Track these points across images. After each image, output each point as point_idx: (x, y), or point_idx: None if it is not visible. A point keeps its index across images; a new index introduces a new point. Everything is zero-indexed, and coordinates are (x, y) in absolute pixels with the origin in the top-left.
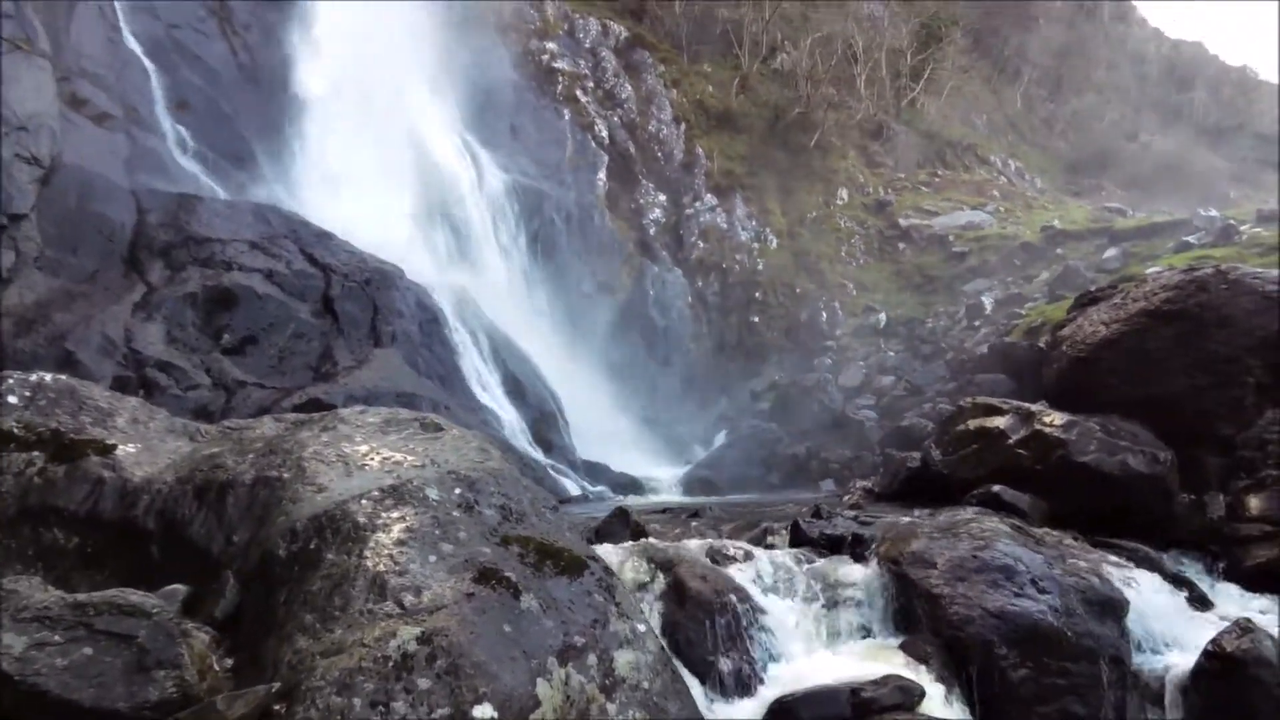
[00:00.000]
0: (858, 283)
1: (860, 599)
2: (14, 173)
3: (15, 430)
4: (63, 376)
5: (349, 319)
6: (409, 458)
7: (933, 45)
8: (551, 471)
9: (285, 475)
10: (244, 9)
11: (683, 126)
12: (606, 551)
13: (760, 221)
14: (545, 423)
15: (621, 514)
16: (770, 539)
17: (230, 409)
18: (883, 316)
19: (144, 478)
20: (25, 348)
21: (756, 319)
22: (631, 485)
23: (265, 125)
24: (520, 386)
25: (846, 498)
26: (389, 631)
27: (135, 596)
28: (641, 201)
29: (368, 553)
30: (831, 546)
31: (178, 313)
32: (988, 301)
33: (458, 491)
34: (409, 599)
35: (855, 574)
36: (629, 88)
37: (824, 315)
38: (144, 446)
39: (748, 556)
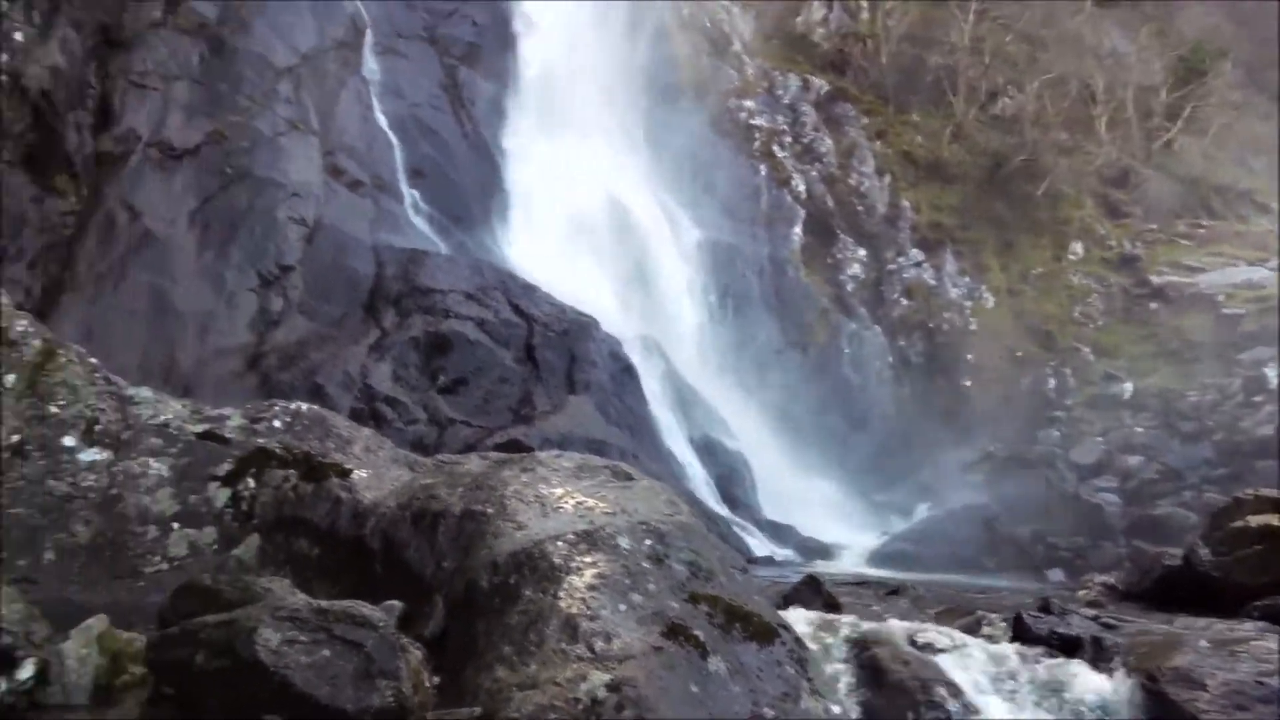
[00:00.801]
0: (1095, 346)
1: (1100, 716)
2: (286, 232)
3: (277, 450)
4: (315, 406)
5: (547, 366)
6: (601, 504)
7: (1194, 81)
8: (736, 529)
9: (489, 510)
10: (471, 85)
11: (887, 179)
12: (795, 620)
13: (974, 278)
14: (731, 479)
15: (812, 582)
16: (986, 629)
17: (442, 444)
18: (1128, 386)
19: (372, 501)
20: (286, 379)
21: (968, 383)
22: (820, 551)
23: (483, 189)
24: (707, 441)
25: (1082, 593)
26: (580, 674)
27: (366, 609)
28: (839, 256)
29: (562, 594)
30: (1065, 648)
31: (403, 354)
32: (1271, 374)
33: (648, 543)
34: (599, 644)
35: (1096, 685)
36: (829, 141)
37: (1051, 382)
38: (374, 473)
39: (959, 647)
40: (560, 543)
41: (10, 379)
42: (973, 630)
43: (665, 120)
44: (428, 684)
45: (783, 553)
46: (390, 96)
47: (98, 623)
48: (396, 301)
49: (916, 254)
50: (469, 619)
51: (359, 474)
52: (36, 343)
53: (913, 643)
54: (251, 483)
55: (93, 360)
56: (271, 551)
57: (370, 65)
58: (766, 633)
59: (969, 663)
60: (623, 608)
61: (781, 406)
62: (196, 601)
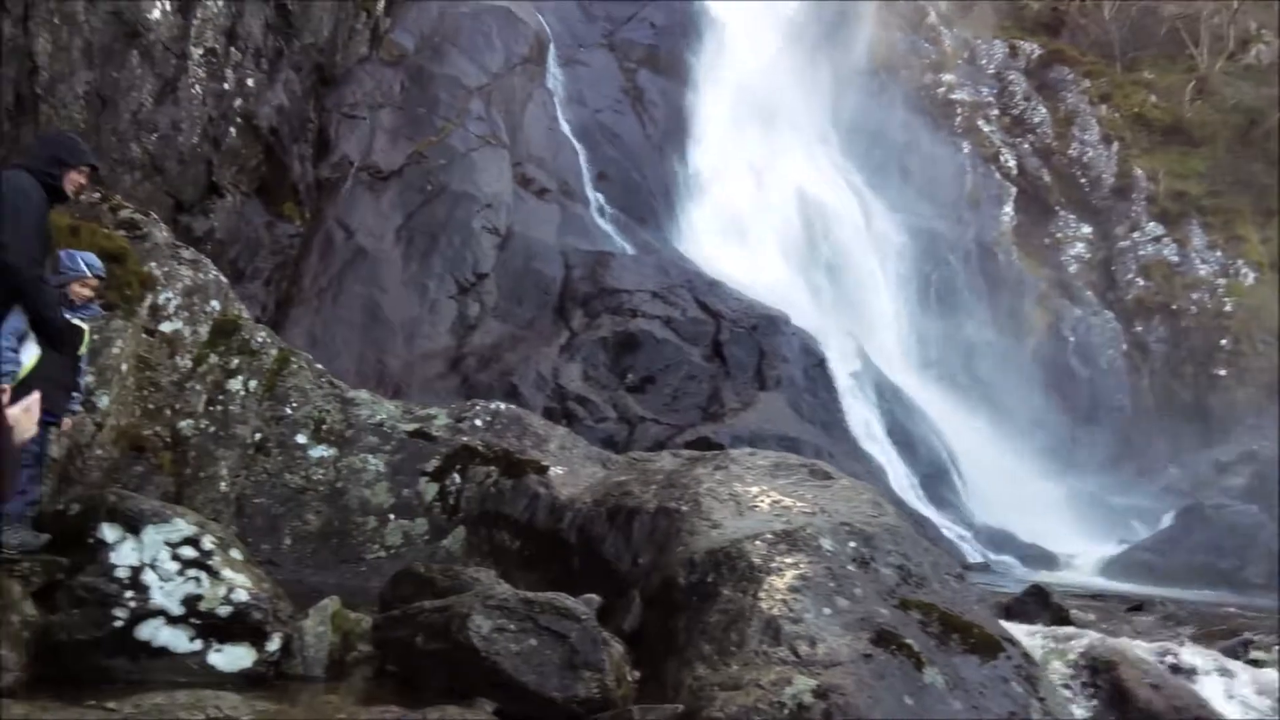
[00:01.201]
0: None
1: None
2: (481, 241)
3: (479, 447)
4: (512, 406)
5: (736, 363)
6: (798, 504)
7: None
8: (945, 533)
9: (683, 508)
10: (652, 87)
11: (1114, 146)
12: (1019, 633)
13: (1228, 252)
14: (937, 479)
15: (1038, 592)
16: (1255, 654)
17: (632, 441)
18: None
19: (568, 497)
20: (484, 380)
21: (1223, 372)
22: (1043, 559)
23: (667, 188)
24: (909, 437)
25: None
26: (784, 678)
27: (569, 601)
28: (1059, 235)
29: (762, 594)
30: None
31: (592, 354)
32: None
33: (852, 545)
34: (803, 648)
35: None
36: (1043, 110)
37: None
38: (569, 469)
39: (1223, 672)
40: (758, 542)
41: (253, 384)
42: (1236, 654)
43: (856, 104)
44: (629, 677)
45: (1000, 559)
46: (574, 105)
47: (331, 603)
48: (585, 303)
49: (1155, 228)
50: (667, 615)
51: (555, 470)
52: (273, 351)
53: (1163, 664)
54: (457, 478)
55: (319, 366)
56: (476, 543)
57: (554, 77)
58: (989, 645)
59: (1233, 690)
60: (827, 611)
61: (995, 401)
62: (412, 587)
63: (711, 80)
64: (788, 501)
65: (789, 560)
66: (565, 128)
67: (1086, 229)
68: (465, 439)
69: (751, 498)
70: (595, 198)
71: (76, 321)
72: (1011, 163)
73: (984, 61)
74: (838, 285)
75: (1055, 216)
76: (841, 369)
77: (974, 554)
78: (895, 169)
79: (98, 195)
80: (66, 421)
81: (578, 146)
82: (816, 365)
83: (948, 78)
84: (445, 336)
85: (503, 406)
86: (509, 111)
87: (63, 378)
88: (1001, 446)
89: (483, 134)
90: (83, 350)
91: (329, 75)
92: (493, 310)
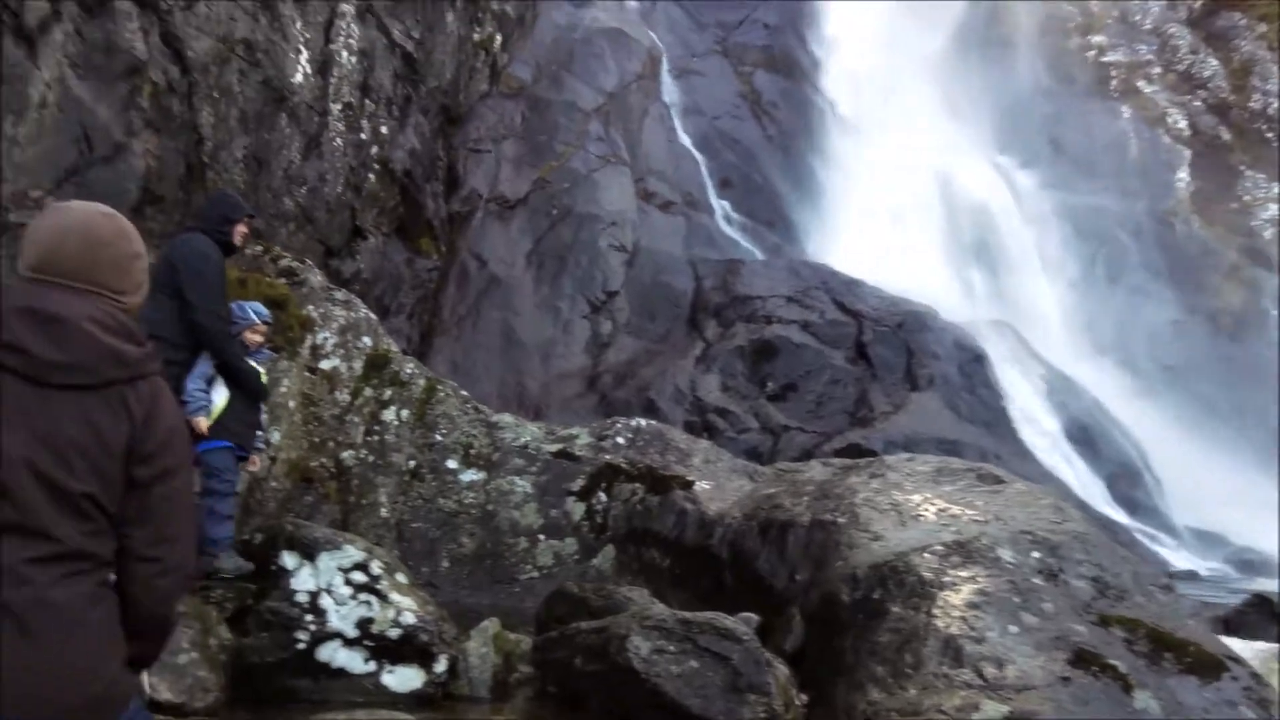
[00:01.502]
0: None
1: None
2: (609, 259)
3: (623, 465)
4: (653, 421)
5: (882, 363)
6: (968, 511)
7: None
8: (1140, 538)
9: (840, 520)
10: (770, 88)
11: None
12: (1241, 650)
13: None
14: (1126, 478)
15: (1262, 602)
16: None
17: (777, 451)
18: None
19: (716, 511)
20: (621, 397)
21: None
22: (1262, 565)
23: (793, 188)
24: (1088, 434)
25: None
26: (970, 703)
27: (729, 621)
28: (1246, 198)
29: (936, 611)
30: None
31: (729, 364)
32: None
33: (1036, 555)
34: (989, 670)
35: None
36: (1213, 62)
37: None
38: (715, 484)
39: None
40: (927, 554)
41: (405, 413)
42: None
43: (994, 79)
44: (797, 701)
45: (1210, 567)
46: (691, 115)
47: (491, 624)
48: (717, 312)
49: None
50: (831, 634)
51: (701, 485)
52: (421, 381)
53: None
54: (603, 496)
55: (464, 392)
56: (626, 561)
57: (669, 89)
58: (1210, 665)
59: None
60: (1014, 629)
61: (1186, 387)
62: (567, 607)
63: (833, 73)
64: (955, 509)
65: (964, 574)
66: (684, 139)
67: (1278, 188)
68: (608, 457)
69: (914, 506)
70: (720, 206)
71: (253, 364)
72: (1182, 124)
73: (1138, 18)
74: (991, 274)
75: (1240, 178)
76: (1003, 362)
77: (1176, 560)
78: (1044, 144)
79: (260, 248)
80: (254, 459)
81: (698, 156)
82: (973, 360)
83: (1097, 39)
84: (580, 356)
85: (643, 423)
86: (627, 129)
87: (249, 418)
88: (1199, 437)
89: (602, 154)
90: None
91: (454, 114)
92: (625, 327)
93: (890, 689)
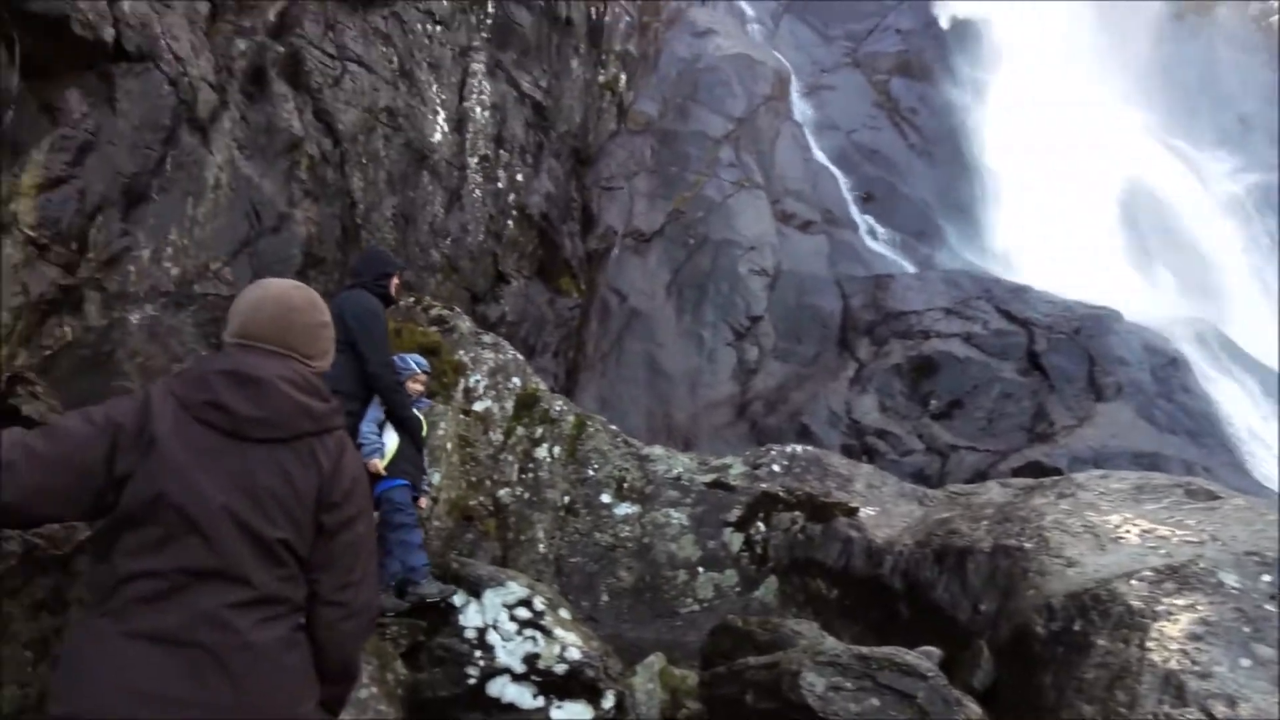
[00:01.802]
0: None
1: None
2: (750, 284)
3: (780, 493)
4: (809, 447)
5: (1060, 373)
6: (1178, 532)
7: None
8: None
9: (1026, 545)
10: (907, 94)
11: None
12: None
13: None
14: None
15: None
16: None
17: (946, 473)
18: None
19: (885, 539)
20: (773, 423)
21: None
22: None
23: (943, 195)
24: None
25: None
26: None
27: (910, 656)
28: None
29: (1151, 644)
30: None
31: (886, 383)
32: None
33: (1266, 579)
34: (1219, 709)
35: None
36: None
37: None
38: (881, 509)
39: None
40: (1134, 581)
41: (556, 450)
42: None
43: (1166, 56)
44: None
45: None
46: (825, 131)
47: (657, 659)
48: (869, 331)
49: None
50: (1026, 670)
51: (866, 511)
52: (570, 418)
53: None
54: (762, 526)
55: (613, 427)
56: (790, 592)
57: (799, 108)
58: None
59: None
60: (1245, 663)
61: None
62: (731, 641)
63: (978, 66)
64: (1163, 530)
65: (1180, 601)
66: (820, 155)
67: None
68: (764, 486)
69: (1113, 528)
70: (863, 221)
71: (416, 413)
72: None
73: None
74: (1182, 269)
75: None
76: (1205, 364)
77: None
78: (1231, 120)
79: (411, 299)
80: (423, 501)
81: (835, 172)
82: (1168, 364)
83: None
84: (727, 384)
85: (799, 449)
86: (759, 152)
87: (417, 460)
88: None
89: (736, 179)
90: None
91: (585, 155)
92: (772, 351)
93: None
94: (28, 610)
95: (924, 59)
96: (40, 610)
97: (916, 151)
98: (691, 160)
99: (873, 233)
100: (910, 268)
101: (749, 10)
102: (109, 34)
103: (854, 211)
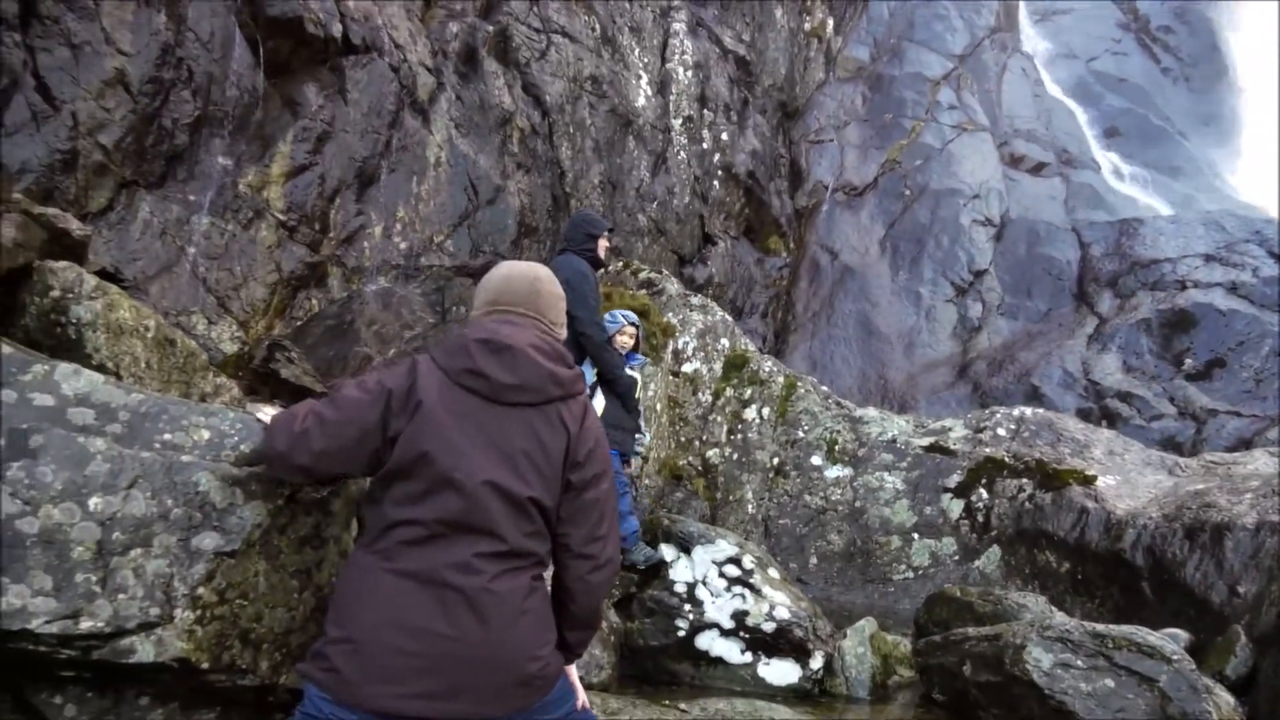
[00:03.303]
0: None
1: None
2: (973, 235)
3: (1006, 459)
4: (1039, 410)
5: None
6: None
7: None
8: None
9: None
10: (1160, 12)
11: None
12: None
13: None
14: None
15: None
16: None
17: (1201, 440)
18: None
19: (1126, 511)
20: (998, 384)
21: None
22: None
23: (1205, 125)
24: None
25: None
26: None
27: (1153, 638)
28: None
29: None
30: None
31: (1132, 341)
32: None
33: None
34: None
35: None
36: None
37: None
38: (1122, 479)
39: None
40: None
41: (766, 411)
42: None
43: None
44: None
45: None
46: (1060, 61)
47: (868, 624)
48: (1112, 282)
49: None
50: None
51: (1104, 480)
52: (780, 379)
53: None
54: (984, 493)
55: (824, 388)
56: (1015, 564)
57: (1030, 39)
58: None
59: None
60: None
61: None
62: (949, 611)
63: None
64: None
65: None
66: (1054, 89)
67: None
68: (988, 450)
69: None
70: (1107, 159)
71: (630, 372)
72: None
73: None
74: None
75: None
76: None
77: None
78: None
79: (620, 263)
80: (633, 461)
81: (1073, 106)
82: None
83: None
84: (947, 343)
85: (1028, 411)
86: (983, 90)
87: (626, 424)
88: None
89: (957, 122)
90: (638, 395)
91: (792, 109)
92: (998, 308)
93: None
94: (294, 544)
95: None
96: (305, 545)
97: (1172, 77)
98: (907, 105)
99: (1118, 172)
100: (1164, 209)
101: None
102: (337, 29)
103: (1095, 149)
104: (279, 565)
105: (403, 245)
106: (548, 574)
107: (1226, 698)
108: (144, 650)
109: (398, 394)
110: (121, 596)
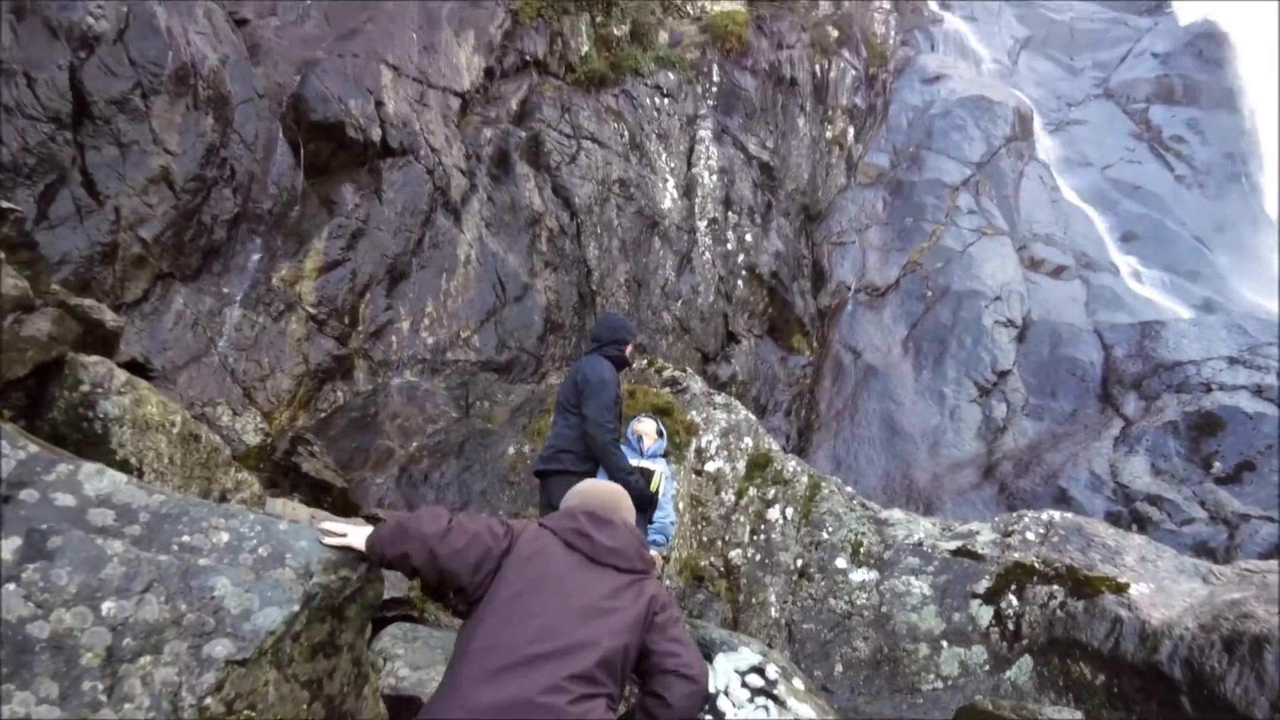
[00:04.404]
0: None
1: None
2: (995, 336)
3: (1036, 564)
4: (1069, 514)
5: None
6: None
7: None
8: None
9: None
10: (1171, 122)
11: None
12: None
13: None
14: None
15: None
16: None
17: (1234, 546)
18: None
19: (1162, 621)
20: (1025, 486)
21: None
22: None
23: (1220, 229)
24: None
25: None
26: None
27: None
28: None
29: None
30: None
31: (1159, 443)
32: None
33: None
34: None
35: None
36: None
37: None
38: (1156, 586)
39: None
40: None
41: (789, 512)
42: None
43: None
44: None
45: None
46: (1075, 169)
47: None
48: (1136, 384)
49: None
50: None
51: (1138, 588)
52: (804, 479)
53: None
54: (1014, 600)
55: (849, 489)
56: (1049, 675)
57: (1044, 146)
58: None
59: None
60: None
61: None
62: None
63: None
64: None
65: None
66: (1070, 195)
67: None
68: (1017, 555)
69: None
70: (1125, 262)
71: (645, 463)
72: None
73: None
74: None
75: None
76: None
77: None
78: None
79: (644, 361)
80: (654, 554)
81: (1089, 211)
82: None
83: None
84: (972, 443)
85: (1057, 515)
86: (1001, 196)
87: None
88: None
89: (977, 226)
90: (656, 486)
91: (814, 212)
92: (1022, 409)
93: None
94: (306, 651)
95: (1189, 81)
96: (317, 653)
97: (1186, 183)
98: (927, 209)
99: (1137, 275)
100: (1184, 312)
101: (983, 51)
102: (376, 134)
103: (1113, 253)
104: (290, 674)
105: (430, 340)
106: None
107: None
108: None
109: (503, 539)
110: (128, 706)
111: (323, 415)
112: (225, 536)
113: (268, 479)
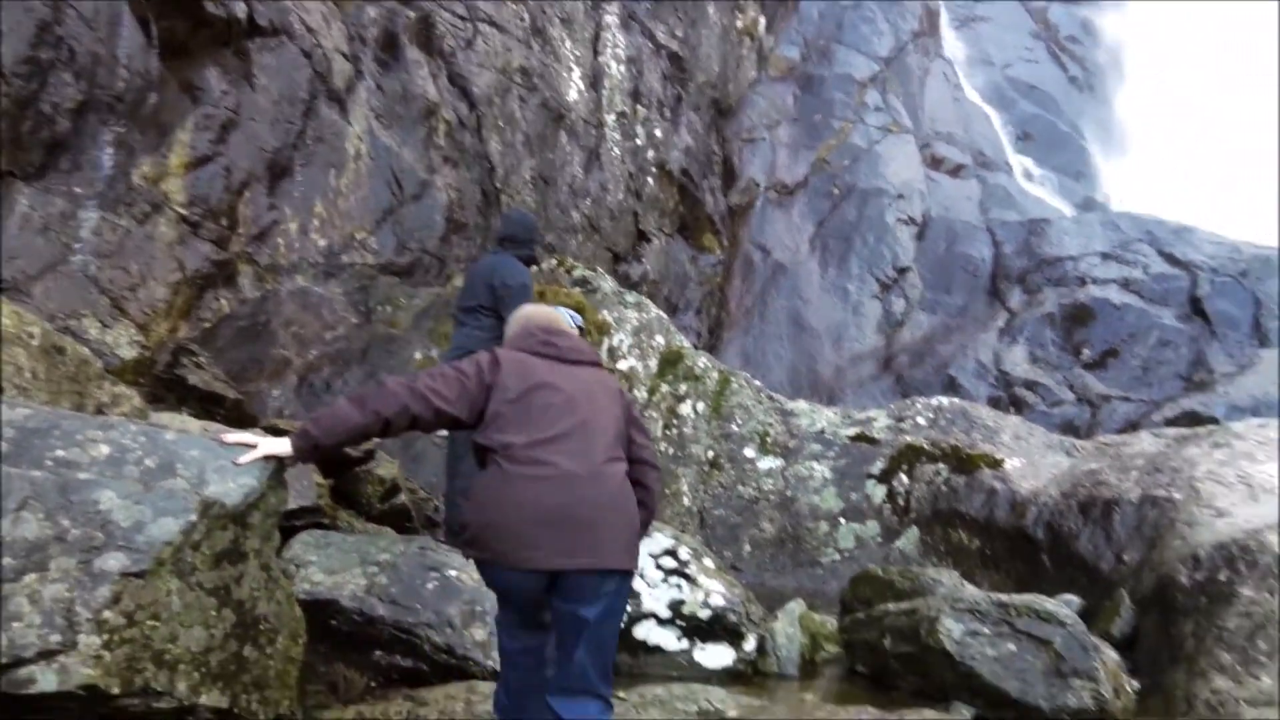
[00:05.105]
0: None
1: None
2: (897, 234)
3: (924, 445)
4: (954, 399)
5: (1223, 319)
6: None
7: None
8: None
9: (1176, 495)
10: (1068, 22)
11: None
12: None
13: None
14: None
15: None
16: None
17: (1096, 424)
18: None
19: (1030, 490)
20: (919, 376)
21: None
22: None
23: (1102, 131)
24: None
25: None
26: None
27: (1050, 604)
28: None
29: None
30: None
31: (1037, 333)
32: None
33: None
34: None
35: None
36: None
37: None
38: (1027, 461)
39: None
40: None
41: (700, 406)
42: None
43: None
44: (1128, 688)
45: None
46: (979, 66)
47: (797, 605)
48: (1021, 279)
49: None
50: (1166, 619)
51: (1011, 463)
52: (715, 374)
53: None
54: (905, 478)
55: (756, 382)
56: (932, 543)
57: (950, 44)
58: None
59: None
60: None
61: None
62: (872, 589)
63: None
64: None
65: None
66: (972, 94)
67: None
68: (909, 438)
69: (1269, 479)
70: (1019, 162)
71: None
72: None
73: None
74: None
75: None
76: None
77: None
78: None
79: (554, 261)
80: None
81: (989, 111)
82: None
83: None
84: (873, 337)
85: (945, 401)
86: (907, 93)
87: None
88: None
89: (883, 124)
90: None
91: (725, 106)
92: (919, 303)
93: (1240, 678)
94: (209, 560)
95: None
96: (221, 560)
97: (1078, 85)
98: (836, 105)
99: (1028, 175)
100: (1069, 211)
101: None
102: (240, 9)
103: (1009, 153)
104: (194, 583)
105: (321, 242)
106: None
107: (1112, 655)
108: (45, 679)
109: (485, 367)
110: (17, 625)
111: (207, 325)
112: (105, 449)
113: (149, 394)
